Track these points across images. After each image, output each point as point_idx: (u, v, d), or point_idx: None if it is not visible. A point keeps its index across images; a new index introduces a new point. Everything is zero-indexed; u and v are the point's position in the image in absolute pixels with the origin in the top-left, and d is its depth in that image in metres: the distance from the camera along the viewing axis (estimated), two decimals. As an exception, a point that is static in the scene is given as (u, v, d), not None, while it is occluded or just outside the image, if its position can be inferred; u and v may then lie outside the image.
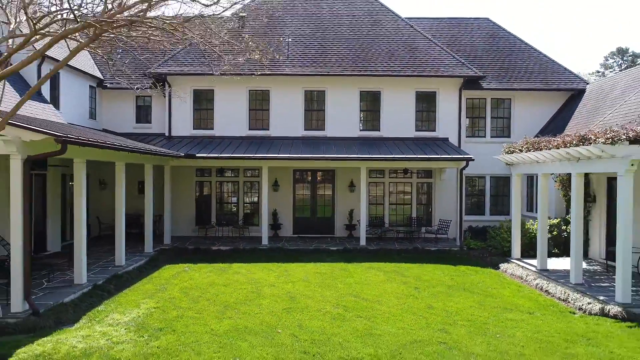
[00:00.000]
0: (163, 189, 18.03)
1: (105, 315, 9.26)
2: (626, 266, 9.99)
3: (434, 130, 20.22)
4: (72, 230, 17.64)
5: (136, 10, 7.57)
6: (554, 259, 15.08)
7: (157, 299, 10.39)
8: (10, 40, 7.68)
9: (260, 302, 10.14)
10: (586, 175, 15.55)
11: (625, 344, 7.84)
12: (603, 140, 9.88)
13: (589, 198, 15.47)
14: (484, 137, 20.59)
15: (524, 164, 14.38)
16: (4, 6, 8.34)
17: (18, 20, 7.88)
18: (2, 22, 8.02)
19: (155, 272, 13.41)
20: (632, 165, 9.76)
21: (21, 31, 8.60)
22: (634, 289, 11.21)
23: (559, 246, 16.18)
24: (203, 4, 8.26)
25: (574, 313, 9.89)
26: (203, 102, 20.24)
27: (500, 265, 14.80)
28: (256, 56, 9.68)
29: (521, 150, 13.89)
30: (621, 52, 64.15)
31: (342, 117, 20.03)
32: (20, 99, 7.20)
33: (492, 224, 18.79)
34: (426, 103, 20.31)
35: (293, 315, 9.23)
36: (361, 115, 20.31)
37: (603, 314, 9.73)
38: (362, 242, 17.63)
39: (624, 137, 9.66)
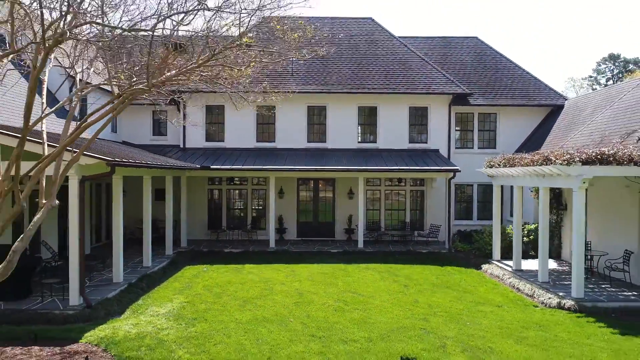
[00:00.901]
0: (179, 196, 19.93)
1: (146, 308, 11.16)
2: (579, 266, 11.90)
3: (426, 142, 22.14)
4: (98, 234, 19.65)
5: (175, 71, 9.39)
6: (530, 260, 16.97)
7: (186, 295, 12.28)
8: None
9: (273, 297, 12.05)
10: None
11: (569, 329, 9.75)
12: (560, 162, 11.79)
13: (562, 206, 17.39)
14: (472, 148, 22.51)
15: (502, 176, 16.29)
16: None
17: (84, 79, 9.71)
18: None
19: (178, 272, 15.30)
20: (583, 182, 11.67)
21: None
22: (591, 286, 13.17)
23: (536, 249, 18.06)
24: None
25: (537, 306, 11.79)
26: (215, 116, 22.13)
27: (482, 266, 16.70)
28: (273, 97, 11.52)
29: (499, 165, 15.80)
30: (613, 58, 66.08)
31: (342, 130, 21.94)
32: (95, 132, 9.06)
33: (479, 228, 20.67)
34: (419, 117, 22.22)
35: (301, 307, 11.13)
36: (359, 128, 22.23)
37: (559, 307, 11.63)
38: (360, 245, 19.53)
39: (577, 159, 11.58)
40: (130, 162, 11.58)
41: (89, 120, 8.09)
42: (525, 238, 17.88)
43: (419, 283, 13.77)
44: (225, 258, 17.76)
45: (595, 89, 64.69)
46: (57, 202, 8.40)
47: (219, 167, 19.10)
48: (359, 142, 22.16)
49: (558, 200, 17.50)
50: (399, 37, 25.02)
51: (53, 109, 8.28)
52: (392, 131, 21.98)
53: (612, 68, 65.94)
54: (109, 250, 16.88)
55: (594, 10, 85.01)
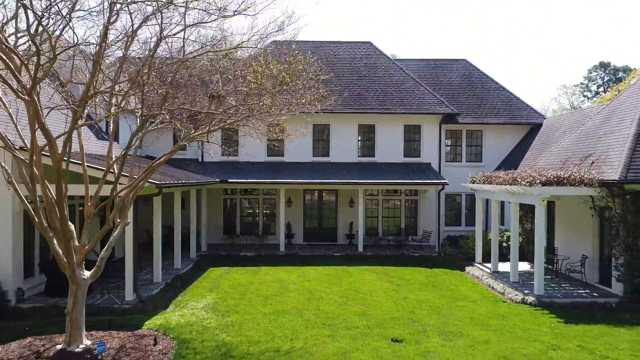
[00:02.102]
0: (199, 205, 22.50)
1: (185, 303, 13.72)
2: (540, 269, 14.48)
3: (419, 157, 24.73)
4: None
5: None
6: (507, 263, 19.50)
7: (216, 293, 14.86)
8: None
9: (288, 294, 14.62)
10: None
11: (525, 319, 12.32)
12: (524, 183, 14.38)
13: (534, 217, 19.93)
14: (461, 162, 25.11)
15: (482, 191, 18.86)
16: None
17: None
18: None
19: (204, 273, 17.85)
20: (543, 200, 14.25)
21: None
22: (553, 285, 15.75)
23: (514, 253, 20.63)
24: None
25: (505, 302, 14.37)
26: (230, 132, 24.67)
27: (466, 268, 19.26)
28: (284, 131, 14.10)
29: (480, 182, 18.38)
30: (603, 66, 68.70)
31: (344, 146, 24.53)
32: (159, 160, 11.62)
33: (467, 233, 23.26)
34: (412, 134, 24.82)
35: (312, 302, 13.70)
36: (359, 144, 24.82)
37: (523, 302, 14.21)
38: (360, 249, 22.12)
39: (538, 181, 14.15)
40: (172, 183, 14.15)
41: (156, 163, 10.68)
42: (504, 243, 20.44)
43: (410, 283, 16.35)
44: (241, 261, 20.31)
45: (587, 95, 67.41)
46: (129, 220, 11.00)
47: (235, 180, 21.68)
48: (358, 156, 24.75)
49: (533, 211, 20.05)
50: (395, 59, 27.62)
51: (125, 150, 10.86)
52: (389, 147, 24.56)
53: (602, 76, 68.56)
54: (142, 254, 19.62)
55: (586, 18, 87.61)
